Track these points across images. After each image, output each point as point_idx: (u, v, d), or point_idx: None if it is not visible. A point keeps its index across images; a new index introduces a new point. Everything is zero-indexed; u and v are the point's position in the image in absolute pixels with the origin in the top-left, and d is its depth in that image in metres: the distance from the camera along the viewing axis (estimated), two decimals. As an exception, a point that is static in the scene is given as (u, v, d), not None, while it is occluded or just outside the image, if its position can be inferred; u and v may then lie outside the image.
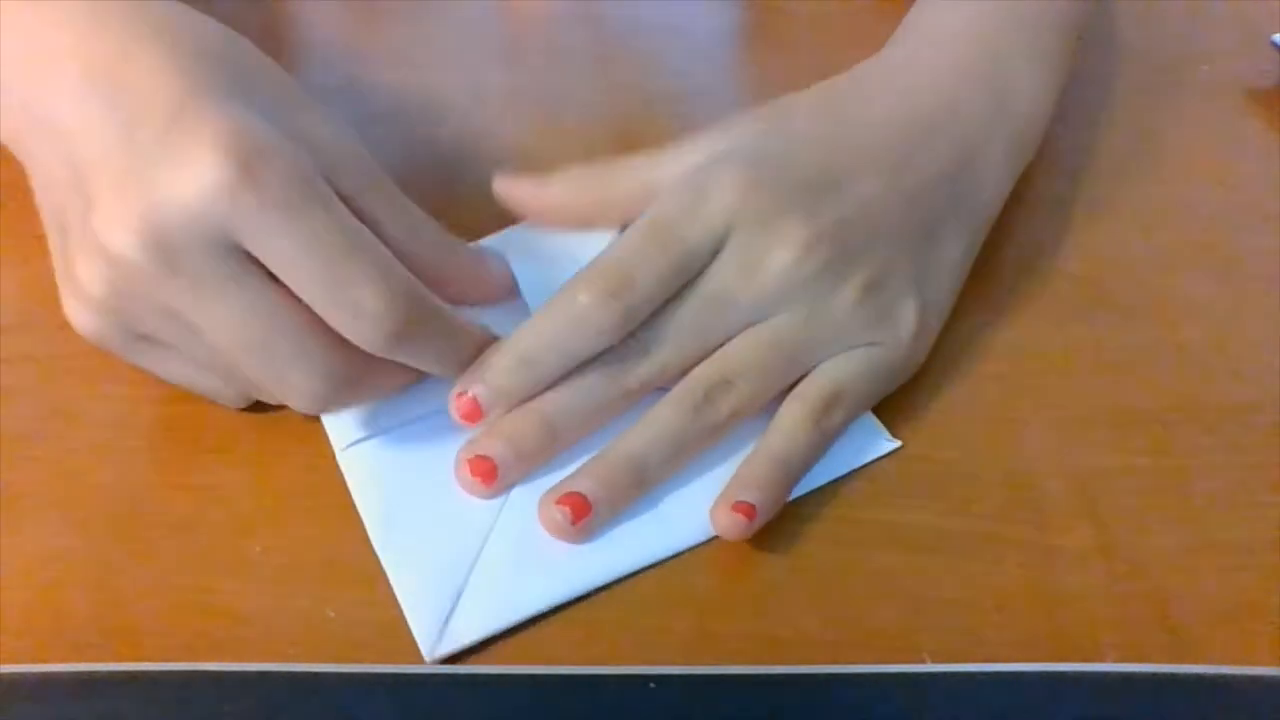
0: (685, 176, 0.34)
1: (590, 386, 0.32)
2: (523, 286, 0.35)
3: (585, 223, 0.37)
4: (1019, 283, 0.40)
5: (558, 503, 0.31)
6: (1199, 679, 0.29)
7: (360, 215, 0.30)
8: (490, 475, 0.32)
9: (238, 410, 0.34)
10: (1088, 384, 0.37)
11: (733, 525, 0.31)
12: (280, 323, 0.28)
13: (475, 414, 0.32)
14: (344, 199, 0.29)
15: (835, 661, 0.29)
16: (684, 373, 0.33)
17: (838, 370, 0.34)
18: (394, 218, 0.32)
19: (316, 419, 0.34)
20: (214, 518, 0.32)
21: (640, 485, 0.32)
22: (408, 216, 0.33)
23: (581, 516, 0.31)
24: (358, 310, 0.28)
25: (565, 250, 0.36)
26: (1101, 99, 0.49)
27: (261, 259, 0.28)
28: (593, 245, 0.34)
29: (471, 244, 0.38)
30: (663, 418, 0.32)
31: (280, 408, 0.35)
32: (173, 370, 0.33)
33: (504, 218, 0.39)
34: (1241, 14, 0.54)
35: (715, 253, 0.33)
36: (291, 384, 0.29)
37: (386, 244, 0.30)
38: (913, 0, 0.43)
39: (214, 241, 0.27)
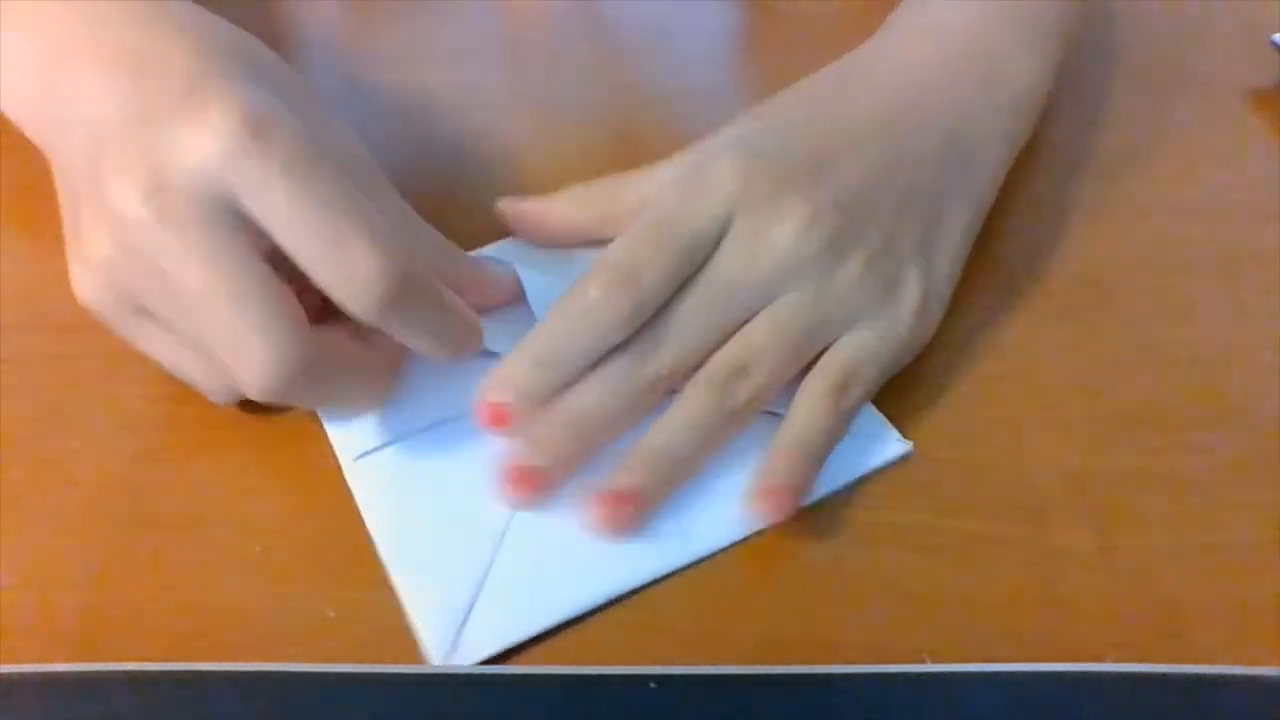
0: (683, 171, 0.35)
1: (613, 384, 0.32)
2: (528, 291, 0.35)
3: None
4: (1019, 283, 0.40)
5: (598, 501, 0.31)
6: (1199, 679, 0.29)
7: None
8: (529, 484, 0.32)
9: (237, 410, 0.34)
10: (1088, 384, 0.37)
11: (766, 512, 0.31)
12: (256, 285, 0.28)
13: (502, 418, 0.32)
14: None
15: (835, 661, 0.29)
16: (702, 362, 0.33)
17: (851, 347, 0.34)
18: (393, 220, 0.32)
19: (318, 422, 0.35)
20: (214, 517, 0.32)
21: (674, 477, 0.32)
22: (407, 221, 0.33)
23: (621, 512, 0.31)
24: (353, 271, 0.28)
25: (568, 255, 0.36)
26: (1101, 99, 0.49)
27: (260, 219, 0.28)
28: (596, 249, 0.34)
29: (473, 253, 0.38)
30: (686, 408, 0.32)
31: (281, 409, 0.35)
32: (161, 350, 0.32)
33: (500, 219, 0.39)
34: (1241, 14, 0.54)
35: (718, 240, 0.33)
36: (253, 353, 0.28)
37: None
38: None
39: (213, 198, 0.28)
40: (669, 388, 0.33)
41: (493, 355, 0.34)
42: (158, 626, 0.30)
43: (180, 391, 0.35)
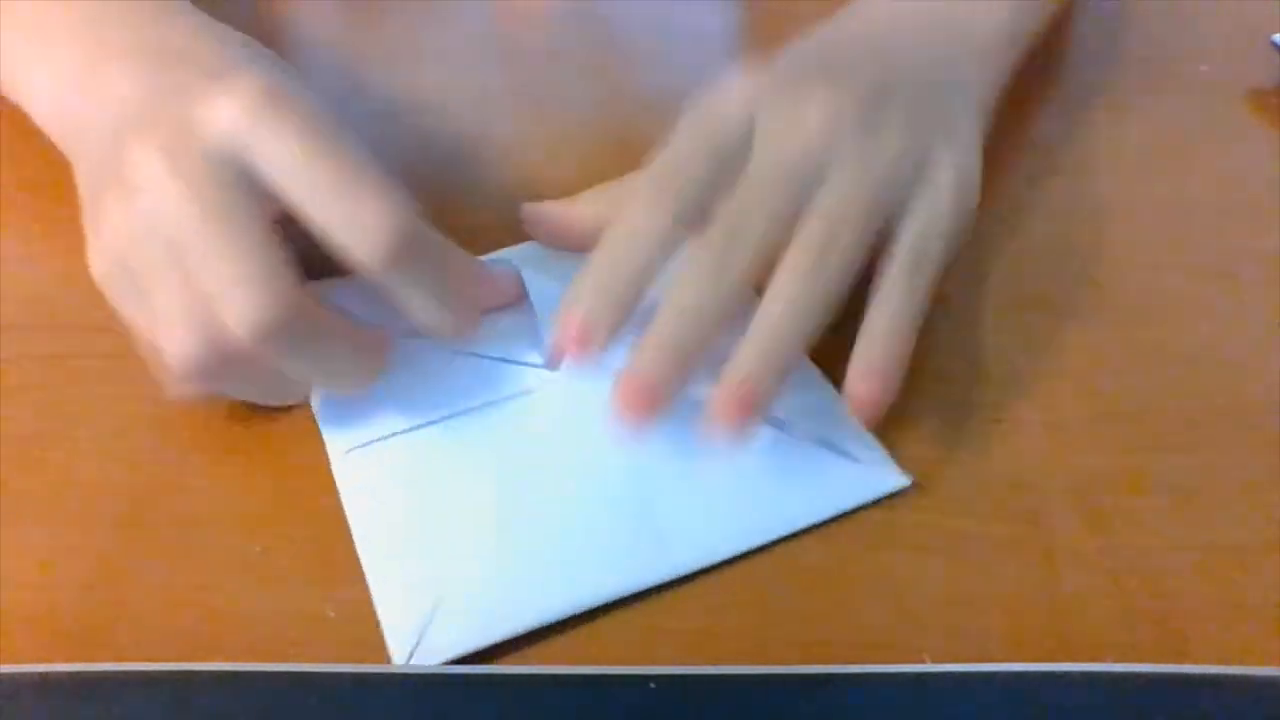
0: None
1: (694, 298, 0.32)
2: (533, 294, 0.36)
3: None
4: (1020, 283, 0.40)
5: (723, 400, 0.31)
6: (1199, 679, 0.29)
7: None
8: (643, 404, 0.31)
9: (237, 411, 0.34)
10: (1088, 384, 0.37)
11: (871, 393, 0.32)
12: (258, 236, 0.29)
13: (584, 338, 0.32)
14: None
15: (835, 661, 0.29)
16: (770, 255, 0.32)
17: (911, 231, 0.34)
18: None
19: (317, 423, 0.35)
20: (214, 518, 0.32)
21: (786, 366, 0.32)
22: None
23: (746, 407, 0.31)
24: (364, 219, 0.29)
25: (574, 262, 0.36)
26: (1102, 99, 0.49)
27: (272, 178, 0.30)
28: None
29: (488, 256, 0.38)
30: (781, 287, 0.32)
31: (280, 408, 0.35)
32: (133, 326, 0.32)
33: (503, 218, 0.39)
34: (1241, 14, 0.54)
35: (748, 141, 0.33)
36: (250, 288, 0.29)
37: None
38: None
39: (226, 161, 0.30)
40: (749, 291, 0.32)
41: (489, 360, 0.34)
42: (158, 626, 0.30)
43: (180, 391, 0.35)
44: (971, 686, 0.29)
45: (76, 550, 0.31)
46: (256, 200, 0.30)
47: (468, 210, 0.39)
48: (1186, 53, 0.52)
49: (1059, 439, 0.35)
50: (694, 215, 0.33)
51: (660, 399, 0.31)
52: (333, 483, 0.33)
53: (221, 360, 0.30)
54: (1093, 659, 0.30)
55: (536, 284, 0.36)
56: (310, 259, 0.31)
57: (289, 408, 0.35)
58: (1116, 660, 0.29)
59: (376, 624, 0.30)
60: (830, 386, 0.35)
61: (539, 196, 0.39)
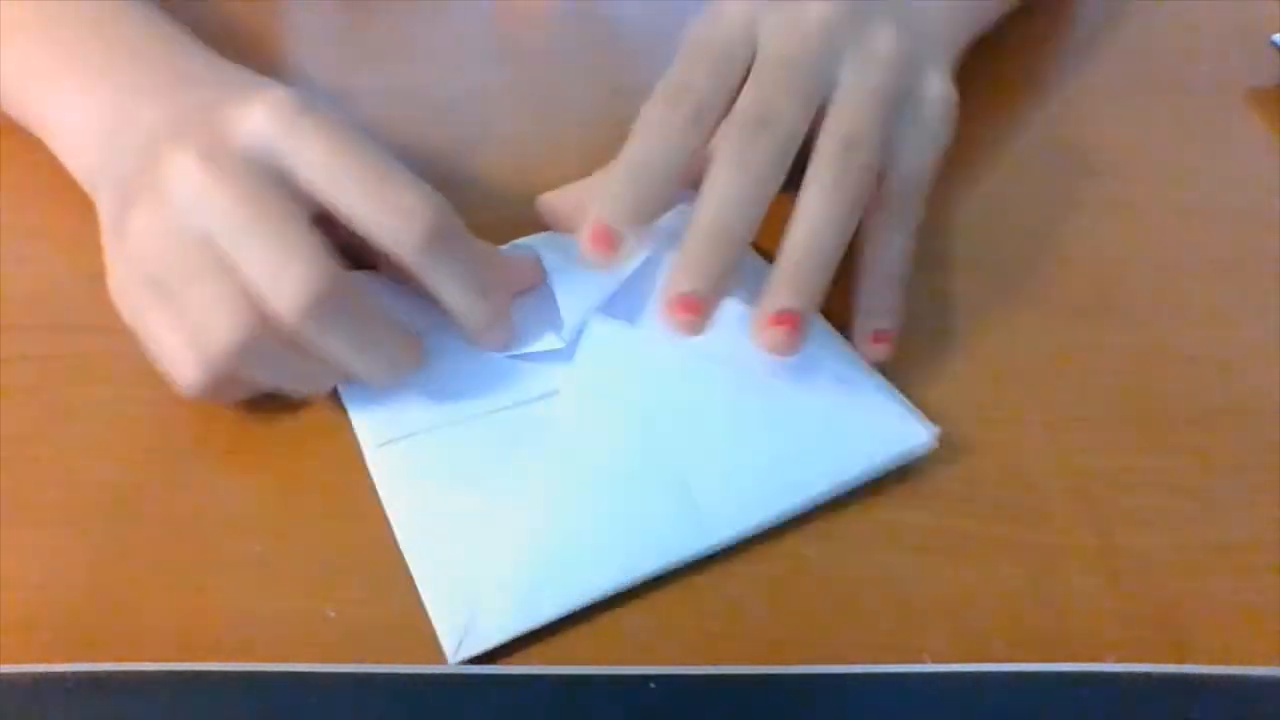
0: None
1: (725, 189, 0.33)
2: (553, 280, 0.36)
3: None
4: (1019, 283, 0.40)
5: (774, 323, 0.33)
6: (1199, 679, 0.29)
7: None
8: (694, 308, 0.33)
9: (237, 411, 0.34)
10: (1088, 384, 0.37)
11: (885, 339, 0.36)
12: (296, 222, 0.30)
13: (605, 238, 0.33)
14: None
15: (835, 661, 0.29)
16: (793, 142, 0.34)
17: (902, 166, 0.36)
18: None
19: (317, 423, 0.35)
20: (214, 518, 0.32)
21: (827, 275, 0.33)
22: None
23: (795, 328, 0.33)
24: (399, 207, 0.31)
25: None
26: (1102, 99, 0.49)
27: (307, 177, 0.31)
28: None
29: (506, 245, 0.38)
30: (812, 200, 0.33)
31: (281, 409, 0.35)
32: (157, 330, 0.32)
33: (503, 217, 0.39)
34: (1241, 14, 0.54)
35: (752, 43, 0.35)
36: (291, 269, 0.29)
37: None
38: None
39: (262, 160, 0.31)
40: (780, 177, 0.34)
41: (517, 359, 0.35)
42: (158, 626, 0.30)
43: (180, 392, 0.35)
44: (971, 686, 0.29)
45: (76, 550, 0.31)
46: (294, 196, 0.31)
47: (468, 210, 0.38)
48: (1186, 53, 0.52)
49: (1059, 439, 0.35)
50: (708, 117, 0.34)
51: (708, 309, 0.33)
52: (334, 483, 0.33)
53: (265, 346, 0.31)
54: (1093, 659, 0.30)
55: (554, 269, 0.36)
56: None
57: (288, 407, 0.35)
58: (1116, 660, 0.29)
59: (376, 624, 0.30)
60: (848, 345, 0.36)
61: (537, 197, 0.39)
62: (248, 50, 0.42)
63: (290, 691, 0.28)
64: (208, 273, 0.30)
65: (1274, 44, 0.49)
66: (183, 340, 0.31)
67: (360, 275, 0.35)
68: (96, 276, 0.33)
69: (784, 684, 0.29)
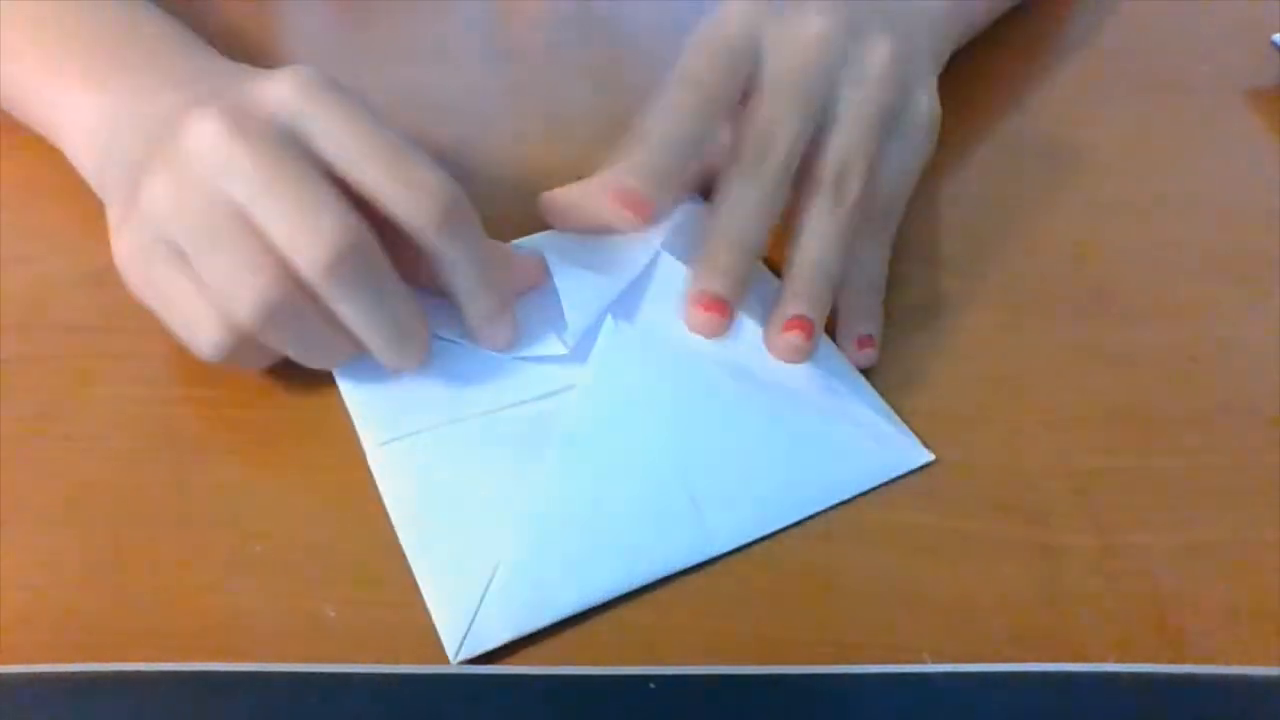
0: None
1: (741, 196, 0.35)
2: (557, 279, 0.36)
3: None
4: (1020, 283, 0.40)
5: (788, 329, 0.34)
6: (1199, 679, 0.29)
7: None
8: (716, 306, 0.35)
9: (237, 411, 0.34)
10: (1088, 384, 0.37)
11: (870, 346, 0.37)
12: (321, 180, 0.31)
13: (629, 198, 0.35)
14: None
15: (835, 661, 0.29)
16: (797, 153, 0.35)
17: (885, 183, 0.38)
18: None
19: (317, 423, 0.35)
20: (214, 518, 0.32)
21: (833, 284, 0.36)
22: None
23: (808, 335, 0.35)
24: (418, 183, 0.31)
25: (600, 246, 0.37)
26: (1102, 99, 0.49)
27: (329, 147, 0.31)
28: (628, 241, 0.36)
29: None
30: (816, 220, 0.36)
31: (280, 409, 0.35)
32: (175, 294, 0.32)
33: (503, 217, 0.39)
34: (1241, 14, 0.54)
35: (756, 53, 0.36)
36: (320, 222, 0.30)
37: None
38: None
39: (285, 129, 0.31)
40: (789, 187, 0.36)
41: (521, 360, 0.35)
42: (158, 626, 0.30)
43: (180, 392, 0.35)
44: (971, 686, 0.29)
45: (76, 550, 0.31)
46: (312, 158, 0.31)
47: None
48: (1186, 53, 0.52)
49: (1059, 439, 0.35)
50: (717, 107, 0.36)
51: (730, 306, 0.35)
52: (334, 483, 0.33)
53: (290, 307, 0.31)
54: (1093, 659, 0.30)
55: (557, 271, 0.36)
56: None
57: (289, 407, 0.35)
58: (1116, 660, 0.29)
59: (376, 624, 0.30)
60: (848, 362, 0.37)
61: (538, 196, 0.39)
62: (248, 50, 0.42)
63: (290, 691, 0.28)
64: (233, 234, 0.30)
65: (1274, 44, 0.49)
66: (205, 303, 0.31)
67: None
68: (96, 276, 0.33)
69: (784, 684, 0.29)
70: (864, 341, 0.37)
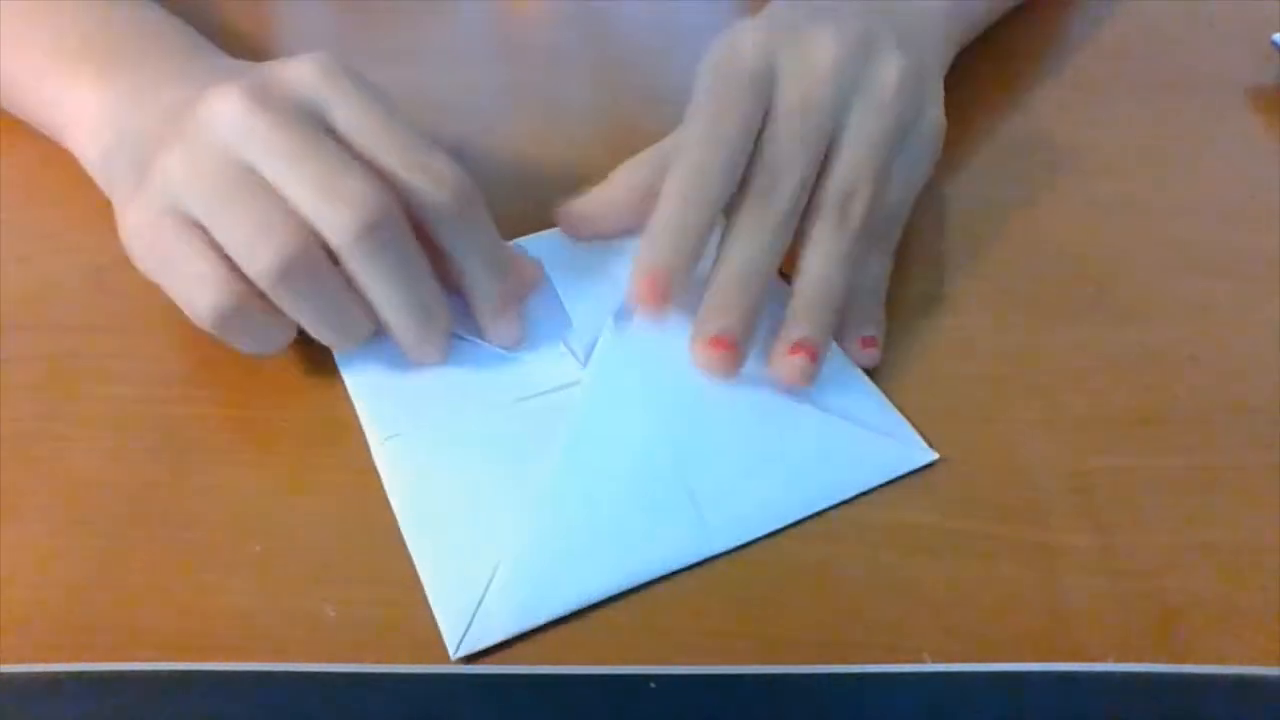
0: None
1: (751, 233, 0.35)
2: (559, 286, 0.36)
3: (639, 216, 0.37)
4: (1020, 283, 0.40)
5: (792, 352, 0.34)
6: (1199, 679, 0.29)
7: None
8: (727, 345, 0.34)
9: (237, 411, 0.34)
10: (1088, 384, 0.37)
11: (869, 355, 0.37)
12: (344, 151, 0.31)
13: (655, 291, 0.33)
14: None
15: (835, 661, 0.29)
16: (808, 184, 0.35)
17: (890, 200, 0.38)
18: None
19: (317, 423, 0.35)
20: (214, 518, 0.32)
21: (839, 307, 0.36)
22: None
23: (812, 358, 0.34)
24: (436, 172, 0.32)
25: (602, 253, 0.37)
26: (1102, 99, 0.49)
27: (349, 128, 0.32)
28: (631, 244, 0.35)
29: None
30: (822, 242, 0.35)
31: (281, 409, 0.35)
32: (178, 257, 0.32)
33: (502, 217, 0.39)
34: (1241, 14, 0.54)
35: (772, 81, 0.36)
36: (352, 184, 0.30)
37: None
38: None
39: (306, 106, 0.32)
40: (796, 214, 0.35)
41: (526, 358, 0.35)
42: (157, 626, 0.30)
43: (180, 392, 0.35)
44: (971, 686, 0.29)
45: (75, 550, 0.31)
46: (329, 133, 0.31)
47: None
48: (1186, 53, 0.52)
49: (1059, 438, 0.35)
50: (741, 156, 0.35)
51: (741, 346, 0.34)
52: (334, 483, 0.33)
53: (309, 261, 0.31)
54: (1093, 659, 0.30)
55: (560, 272, 0.36)
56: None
57: (289, 406, 0.35)
58: (1116, 660, 0.29)
59: (376, 624, 0.30)
60: (851, 362, 0.37)
61: (539, 196, 0.39)
62: (248, 50, 0.42)
63: (290, 691, 0.28)
64: (253, 191, 0.31)
65: (1274, 44, 0.49)
66: (208, 265, 0.31)
67: None
68: (96, 276, 0.33)
69: (784, 684, 0.29)
70: (867, 342, 0.37)
